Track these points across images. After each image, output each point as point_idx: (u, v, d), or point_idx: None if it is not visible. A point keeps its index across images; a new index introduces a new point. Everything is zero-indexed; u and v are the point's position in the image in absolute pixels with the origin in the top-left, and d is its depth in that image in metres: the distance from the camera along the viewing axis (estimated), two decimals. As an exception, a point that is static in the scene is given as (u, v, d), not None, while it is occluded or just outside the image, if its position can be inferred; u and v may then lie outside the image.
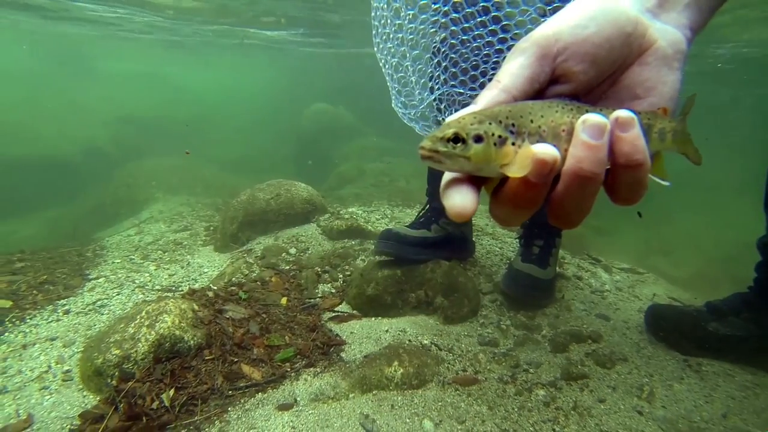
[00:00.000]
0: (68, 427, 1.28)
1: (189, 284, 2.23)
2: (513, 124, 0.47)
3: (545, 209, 0.50)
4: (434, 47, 1.60)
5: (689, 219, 5.55)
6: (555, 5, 1.25)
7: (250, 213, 2.70)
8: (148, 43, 10.87)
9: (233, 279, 2.14)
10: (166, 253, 2.71)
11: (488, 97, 0.51)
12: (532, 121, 0.47)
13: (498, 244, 2.54)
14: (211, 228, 3.18)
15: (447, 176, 0.49)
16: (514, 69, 0.52)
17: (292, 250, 2.38)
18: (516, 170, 0.45)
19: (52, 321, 1.83)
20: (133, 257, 2.67)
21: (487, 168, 0.47)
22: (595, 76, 0.55)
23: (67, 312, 1.91)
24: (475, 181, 0.48)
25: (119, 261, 2.60)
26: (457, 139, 0.46)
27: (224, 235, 2.75)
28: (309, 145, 7.58)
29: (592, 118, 0.45)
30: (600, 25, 0.53)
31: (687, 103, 0.62)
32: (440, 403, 1.37)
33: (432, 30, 1.56)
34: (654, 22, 0.56)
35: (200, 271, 2.40)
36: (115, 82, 12.38)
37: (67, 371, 1.51)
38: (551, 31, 0.53)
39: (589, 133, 0.45)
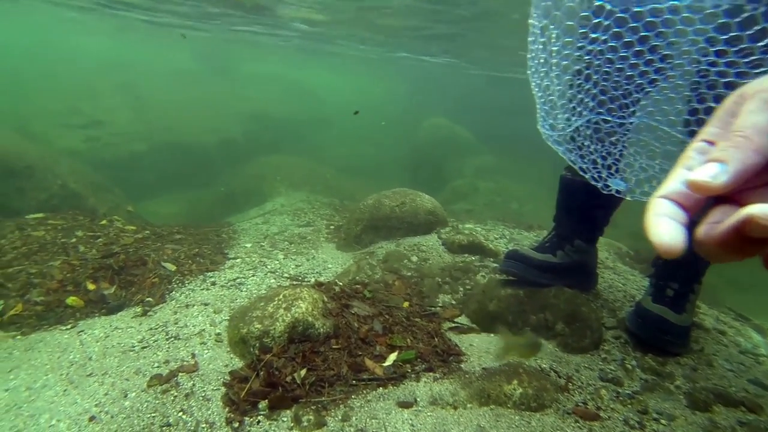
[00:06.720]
0: (222, 379, 1.47)
1: (314, 276, 2.40)
2: None
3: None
4: (585, 73, 1.59)
5: None
6: (731, 34, 1.18)
7: (375, 217, 2.84)
8: (286, 48, 11.80)
9: (357, 278, 2.27)
10: (292, 245, 2.94)
11: (739, 158, 0.42)
12: None
13: (621, 279, 2.41)
14: (332, 227, 3.38)
15: (658, 209, 0.45)
16: (765, 126, 0.43)
17: (414, 258, 2.47)
18: None
19: (203, 289, 2.10)
20: (263, 244, 2.93)
21: None
22: None
23: (213, 284, 2.17)
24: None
25: (251, 245, 2.88)
26: None
27: (348, 235, 2.92)
28: (424, 157, 7.73)
29: None
30: None
31: None
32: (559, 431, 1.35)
33: (587, 58, 1.55)
34: None
35: (324, 266, 2.57)
36: (252, 83, 13.58)
37: (218, 334, 1.73)
38: None
39: None
